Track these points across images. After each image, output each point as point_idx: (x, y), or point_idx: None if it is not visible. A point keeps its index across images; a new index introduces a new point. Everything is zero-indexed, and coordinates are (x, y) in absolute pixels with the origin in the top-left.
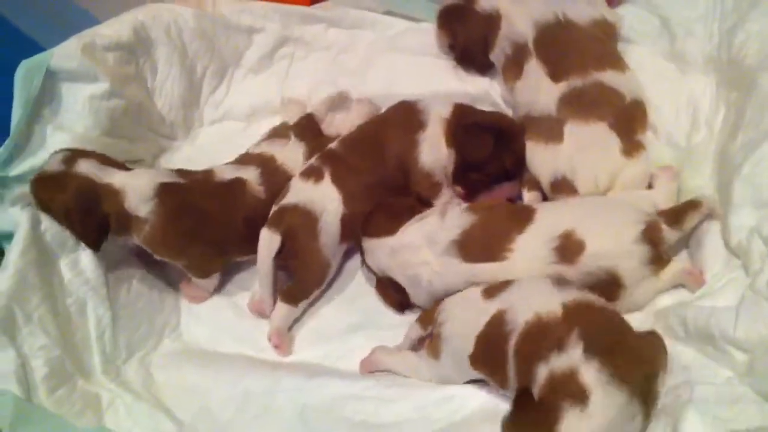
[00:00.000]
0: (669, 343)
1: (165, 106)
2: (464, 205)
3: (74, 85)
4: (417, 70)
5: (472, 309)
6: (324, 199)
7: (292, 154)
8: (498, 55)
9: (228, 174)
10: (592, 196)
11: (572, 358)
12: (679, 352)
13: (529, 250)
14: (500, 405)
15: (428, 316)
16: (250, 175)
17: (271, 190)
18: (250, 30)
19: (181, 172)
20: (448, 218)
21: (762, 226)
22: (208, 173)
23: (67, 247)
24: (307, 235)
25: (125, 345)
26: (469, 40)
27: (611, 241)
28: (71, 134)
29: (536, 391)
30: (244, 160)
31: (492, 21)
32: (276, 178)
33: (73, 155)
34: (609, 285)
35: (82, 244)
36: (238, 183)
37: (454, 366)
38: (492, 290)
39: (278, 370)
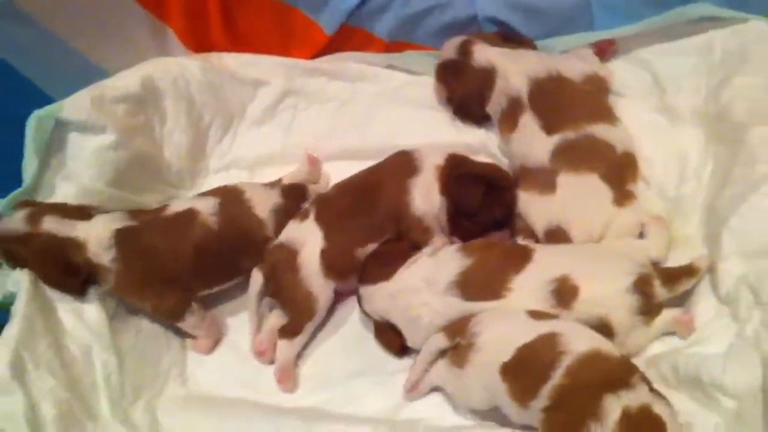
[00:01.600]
0: (661, 389)
1: (172, 156)
2: (456, 245)
3: (82, 136)
4: (417, 122)
5: (518, 322)
6: (305, 235)
7: (265, 195)
8: (494, 107)
9: (181, 206)
10: (588, 244)
11: (642, 395)
12: (670, 398)
13: (528, 290)
14: None
15: (458, 327)
16: (205, 205)
17: (226, 221)
18: (256, 83)
19: (135, 213)
20: (442, 259)
21: (749, 275)
22: (160, 208)
23: (67, 298)
24: (288, 270)
25: (131, 388)
26: (465, 93)
27: (604, 289)
28: (77, 184)
29: (606, 424)
30: (213, 191)
31: (487, 75)
32: (234, 209)
33: (37, 211)
34: (601, 332)
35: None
36: (188, 214)
37: (477, 377)
38: (539, 314)
39: (281, 416)
